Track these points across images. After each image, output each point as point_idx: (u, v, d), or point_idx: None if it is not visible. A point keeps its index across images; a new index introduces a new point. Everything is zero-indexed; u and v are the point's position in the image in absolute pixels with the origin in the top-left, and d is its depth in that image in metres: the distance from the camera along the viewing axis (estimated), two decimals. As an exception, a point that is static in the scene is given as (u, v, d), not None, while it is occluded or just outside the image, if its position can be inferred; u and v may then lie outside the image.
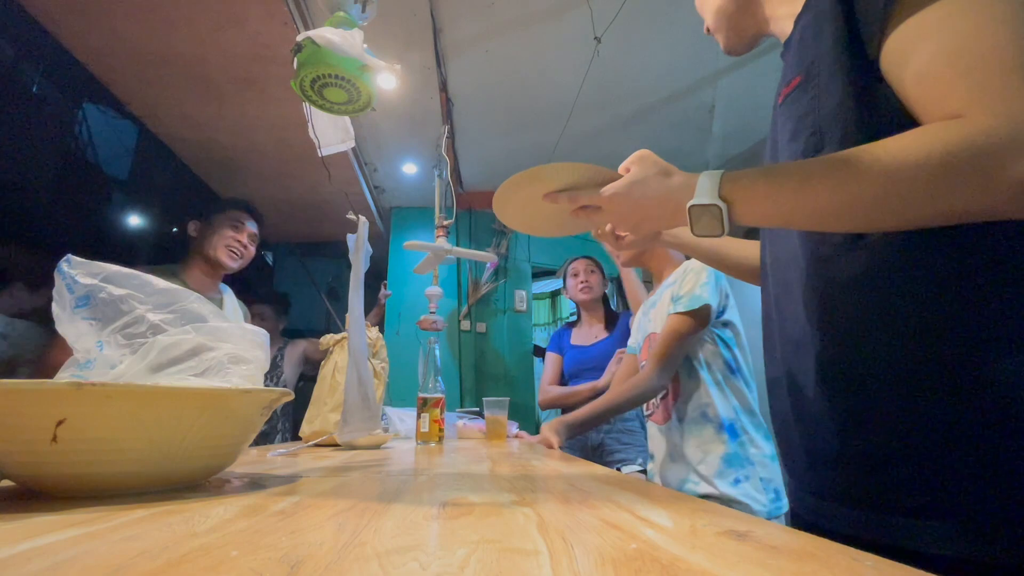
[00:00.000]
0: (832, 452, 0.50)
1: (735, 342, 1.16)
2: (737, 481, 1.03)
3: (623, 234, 0.79)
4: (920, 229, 0.43)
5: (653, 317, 1.24)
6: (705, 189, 0.51)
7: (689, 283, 1.13)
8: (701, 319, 1.11)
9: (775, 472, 1.07)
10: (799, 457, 0.56)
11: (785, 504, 1.06)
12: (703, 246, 0.88)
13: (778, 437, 0.63)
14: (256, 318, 2.44)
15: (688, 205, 0.51)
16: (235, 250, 1.50)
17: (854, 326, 0.48)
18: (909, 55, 0.42)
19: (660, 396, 1.18)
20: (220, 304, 1.50)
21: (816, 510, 0.53)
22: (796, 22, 0.56)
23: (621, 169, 0.59)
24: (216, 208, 1.55)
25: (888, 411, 0.45)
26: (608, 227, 0.78)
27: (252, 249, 1.57)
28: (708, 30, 0.74)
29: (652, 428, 1.23)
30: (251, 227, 1.56)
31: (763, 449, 1.08)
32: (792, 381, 0.57)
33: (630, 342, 1.42)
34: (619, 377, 1.41)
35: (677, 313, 1.12)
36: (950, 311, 0.42)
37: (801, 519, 0.58)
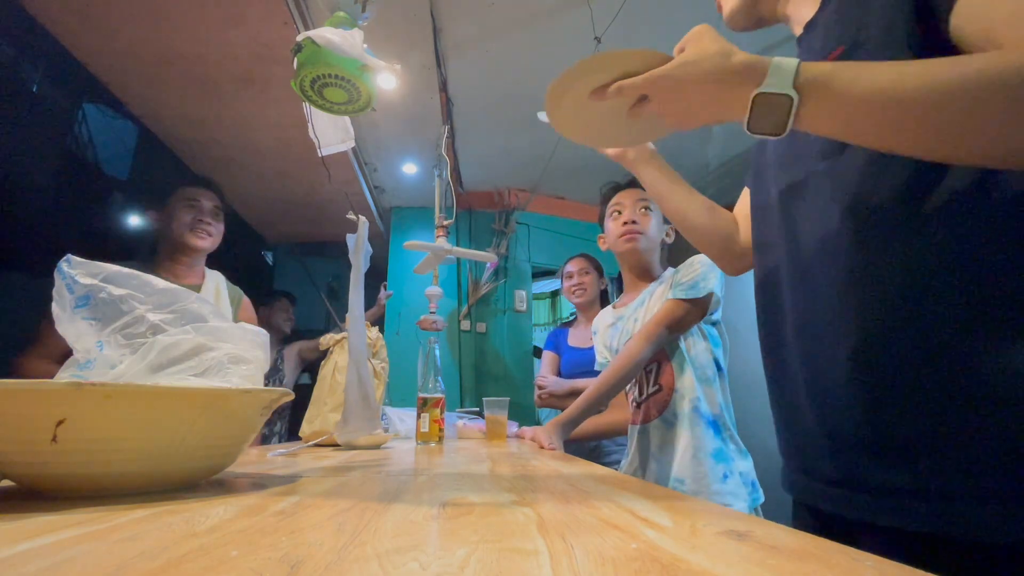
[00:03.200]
0: (862, 438, 0.48)
1: (720, 342, 1.17)
2: (725, 476, 1.04)
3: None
4: (982, 212, 0.42)
5: (641, 317, 1.23)
6: (779, 76, 0.43)
7: (692, 271, 1.13)
8: (701, 308, 1.11)
9: (749, 465, 1.09)
10: (813, 445, 0.55)
11: (761, 496, 1.08)
12: (674, 195, 0.79)
13: (785, 426, 0.62)
14: (282, 312, 2.46)
15: (754, 93, 0.44)
16: (199, 229, 1.41)
17: (895, 307, 0.47)
18: (987, 6, 0.40)
19: (651, 393, 1.17)
20: (199, 289, 1.41)
21: (834, 498, 0.52)
22: (824, 2, 0.56)
23: (676, 49, 0.51)
24: (169, 193, 1.46)
25: (928, 394, 0.44)
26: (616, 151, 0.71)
27: (219, 224, 1.49)
28: None
29: (632, 430, 1.22)
30: (208, 201, 1.46)
31: (739, 443, 1.10)
32: (810, 365, 0.55)
33: (599, 358, 1.38)
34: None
35: (677, 299, 1.11)
36: (998, 297, 0.42)
37: (810, 509, 0.57)
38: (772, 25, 0.67)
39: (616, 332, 1.31)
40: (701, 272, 1.12)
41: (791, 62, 0.44)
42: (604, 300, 1.97)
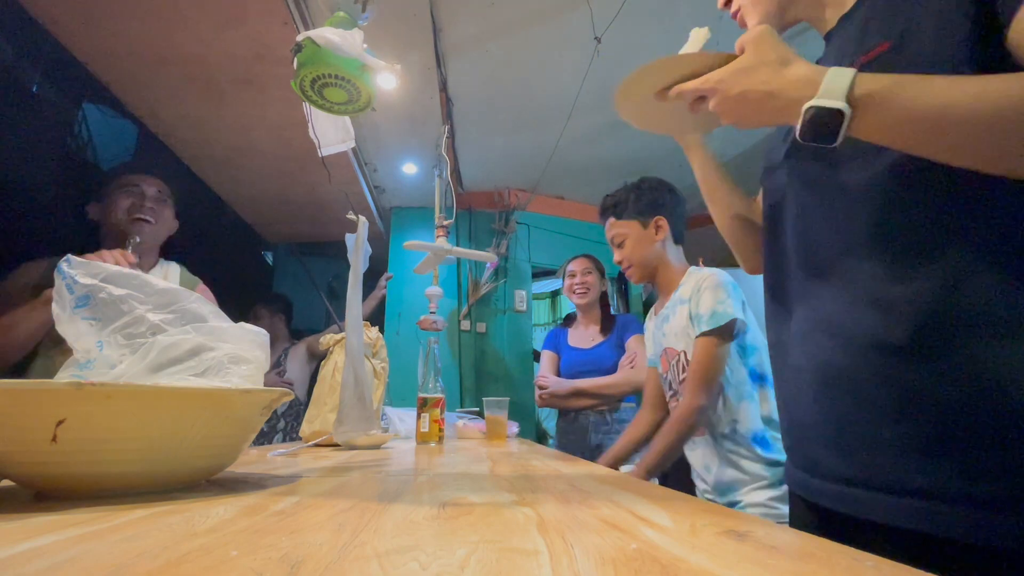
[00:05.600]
0: (866, 436, 0.49)
1: (754, 348, 1.14)
2: (772, 485, 1.03)
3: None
4: (999, 218, 0.42)
5: (667, 331, 1.22)
6: (834, 89, 0.44)
7: (707, 301, 1.11)
8: (728, 334, 1.09)
9: None
10: (815, 441, 0.55)
11: None
12: (722, 183, 0.80)
13: (789, 422, 0.62)
14: (255, 319, 2.43)
15: (806, 105, 0.45)
16: (139, 215, 1.30)
17: (905, 309, 0.46)
18: None
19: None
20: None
21: (834, 495, 0.52)
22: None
23: (736, 47, 0.52)
24: (109, 180, 1.35)
25: (933, 396, 0.44)
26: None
27: (165, 209, 1.37)
28: (727, 5, 0.67)
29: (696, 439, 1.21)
30: (150, 188, 1.34)
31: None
32: (817, 362, 0.55)
33: (648, 355, 1.39)
34: (649, 394, 1.39)
35: (703, 335, 1.09)
36: (1005, 302, 0.42)
37: (808, 504, 0.57)
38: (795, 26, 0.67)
39: (652, 340, 1.31)
40: (718, 298, 1.10)
41: (846, 76, 0.44)
42: (604, 302, 1.97)
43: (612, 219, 1.29)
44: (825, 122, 0.45)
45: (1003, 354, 0.42)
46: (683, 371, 1.17)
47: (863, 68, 0.51)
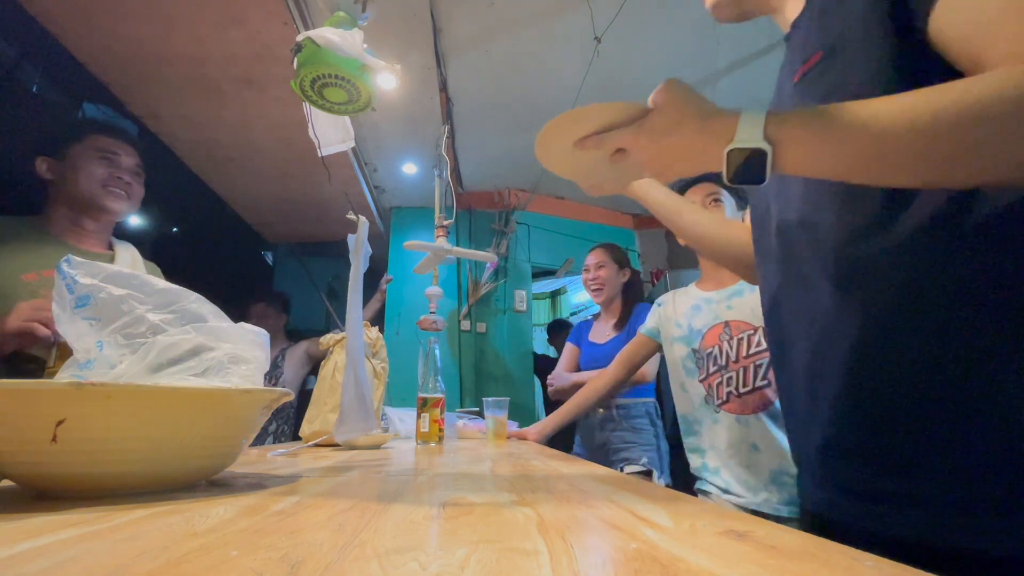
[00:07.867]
0: (857, 445, 0.49)
1: None
2: None
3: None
4: (982, 223, 0.42)
5: (736, 305, 1.19)
6: (748, 130, 0.44)
7: None
8: None
9: None
10: (811, 451, 0.55)
11: None
12: (684, 213, 0.80)
13: (791, 433, 0.62)
14: (255, 318, 2.43)
15: (726, 149, 0.45)
16: (116, 188, 1.15)
17: (893, 316, 0.46)
18: (970, 8, 0.40)
19: (759, 387, 1.13)
20: (111, 261, 1.18)
21: (827, 503, 0.52)
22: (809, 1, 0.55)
23: (649, 101, 0.51)
24: (72, 136, 1.16)
25: (924, 404, 0.44)
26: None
27: (140, 186, 1.21)
28: None
29: (725, 418, 1.17)
30: (128, 158, 1.18)
31: None
32: (811, 372, 0.55)
33: (649, 323, 1.39)
34: (627, 355, 1.44)
35: None
36: (997, 308, 0.42)
37: (813, 515, 0.57)
38: (758, 17, 0.66)
39: (698, 313, 1.27)
40: None
41: (759, 114, 0.44)
42: (628, 292, 1.87)
43: (716, 183, 1.28)
44: (749, 163, 0.45)
45: (951, 358, 0.43)
46: (753, 347, 1.14)
47: (801, 78, 0.52)
